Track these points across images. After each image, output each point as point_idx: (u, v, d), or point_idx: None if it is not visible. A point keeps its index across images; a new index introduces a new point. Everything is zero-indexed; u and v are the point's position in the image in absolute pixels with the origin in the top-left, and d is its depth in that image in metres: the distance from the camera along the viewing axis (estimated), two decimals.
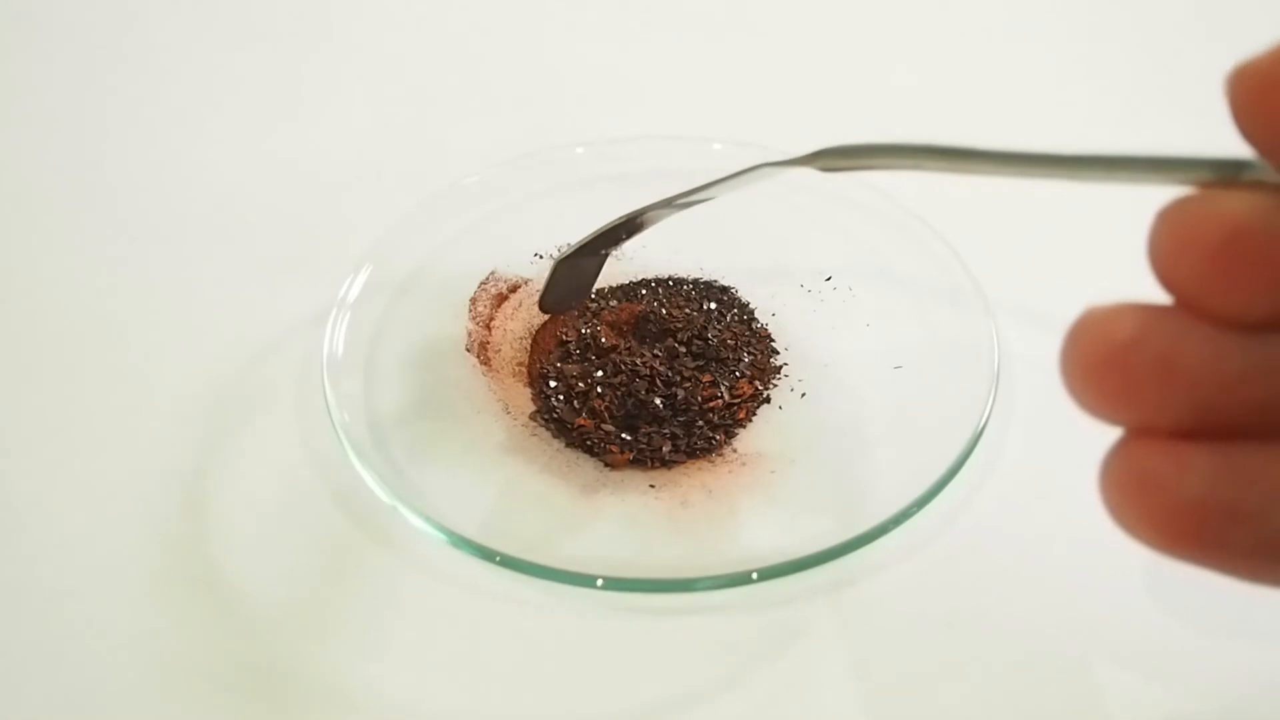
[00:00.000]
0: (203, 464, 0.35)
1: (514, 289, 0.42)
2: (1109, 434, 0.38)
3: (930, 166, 0.23)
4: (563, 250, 0.39)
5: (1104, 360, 0.19)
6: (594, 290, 0.41)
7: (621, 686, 0.30)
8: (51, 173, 0.48)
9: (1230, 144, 0.17)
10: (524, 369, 0.39)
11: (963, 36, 0.59)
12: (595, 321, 0.40)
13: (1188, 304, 0.18)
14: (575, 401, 0.36)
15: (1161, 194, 0.18)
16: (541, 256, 0.43)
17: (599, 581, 0.30)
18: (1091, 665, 0.31)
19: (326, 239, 0.44)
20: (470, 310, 0.40)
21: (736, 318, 0.40)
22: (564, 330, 0.40)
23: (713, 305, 0.40)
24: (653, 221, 0.37)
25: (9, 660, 0.31)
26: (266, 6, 0.59)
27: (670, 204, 0.36)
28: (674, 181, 0.44)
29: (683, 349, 0.38)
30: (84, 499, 0.35)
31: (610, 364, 0.38)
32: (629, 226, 0.37)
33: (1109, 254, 0.44)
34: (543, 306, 0.40)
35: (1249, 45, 0.18)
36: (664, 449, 0.35)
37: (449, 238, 0.42)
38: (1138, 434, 0.19)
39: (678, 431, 0.36)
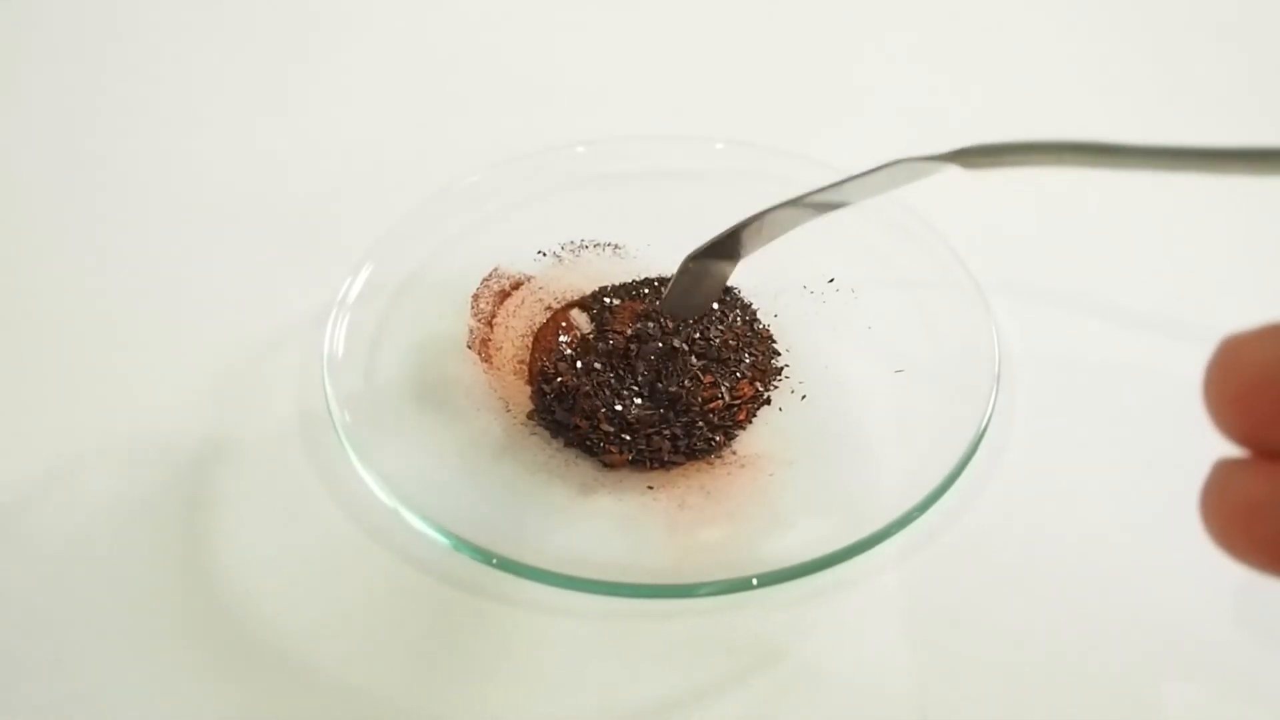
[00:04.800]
0: (203, 465, 0.35)
1: (516, 286, 0.42)
2: (1110, 434, 0.38)
3: (1073, 162, 0.23)
4: (694, 250, 0.35)
5: (1257, 389, 0.18)
6: (596, 289, 0.41)
7: (620, 687, 0.30)
8: (51, 172, 0.48)
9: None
10: (525, 367, 0.39)
11: (960, 35, 0.58)
12: (596, 321, 0.40)
13: None
14: (573, 402, 0.36)
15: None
16: (545, 254, 0.43)
17: (596, 585, 0.30)
18: (1094, 665, 0.31)
19: (326, 238, 0.44)
20: (473, 307, 0.40)
21: (739, 318, 0.40)
22: (564, 329, 0.40)
23: (715, 305, 0.40)
24: (782, 227, 0.34)
25: (9, 661, 0.31)
26: (267, 6, 0.59)
27: (800, 203, 0.33)
28: (674, 181, 0.44)
29: (684, 349, 0.38)
30: (84, 499, 0.35)
31: (610, 363, 0.38)
32: (759, 227, 0.34)
33: (1109, 256, 0.44)
34: (665, 307, 0.37)
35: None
36: (663, 450, 0.35)
37: (449, 238, 0.42)
38: (1250, 460, 0.19)
39: (677, 432, 0.36)
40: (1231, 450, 0.19)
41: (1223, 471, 0.19)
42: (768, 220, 0.34)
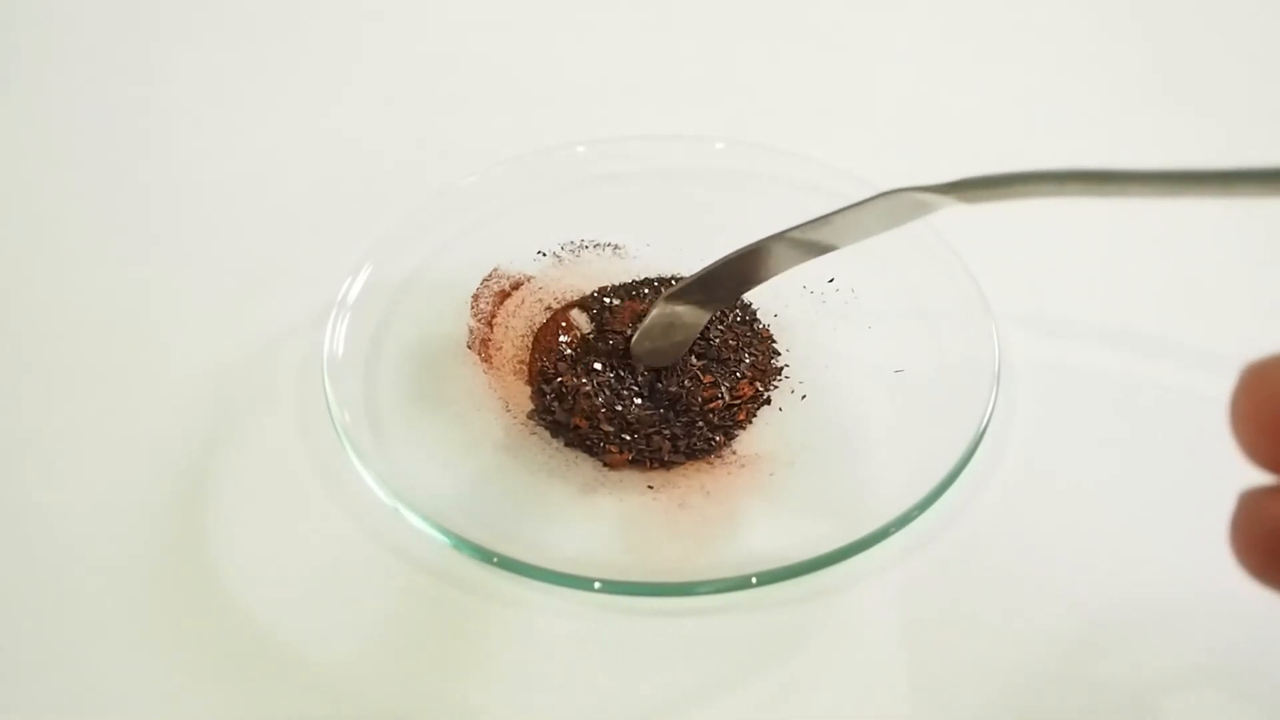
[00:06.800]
0: (203, 464, 0.35)
1: (516, 286, 0.42)
2: (1109, 434, 0.38)
3: (1076, 192, 0.22)
4: (669, 290, 0.35)
5: None
6: (596, 289, 0.41)
7: (620, 687, 0.30)
8: (52, 173, 0.48)
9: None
10: (525, 367, 0.39)
11: (961, 36, 0.58)
12: (596, 321, 0.40)
13: None
14: (573, 402, 0.36)
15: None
16: (545, 254, 0.43)
17: (596, 585, 0.30)
18: (1093, 666, 0.31)
19: (326, 238, 0.44)
20: (472, 307, 0.40)
21: (738, 318, 0.40)
22: (564, 329, 0.40)
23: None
24: (767, 270, 0.33)
25: (8, 660, 0.31)
26: (268, 7, 0.59)
27: (785, 241, 0.32)
28: (674, 181, 0.44)
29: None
30: (84, 499, 0.35)
31: (610, 363, 0.38)
32: (739, 269, 0.33)
33: (1109, 255, 0.44)
34: (634, 351, 0.37)
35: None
36: (663, 450, 0.35)
37: (449, 237, 0.42)
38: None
39: (677, 432, 0.36)
40: (1257, 477, 0.19)
41: (1253, 501, 0.19)
42: (747, 261, 0.33)
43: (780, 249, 0.33)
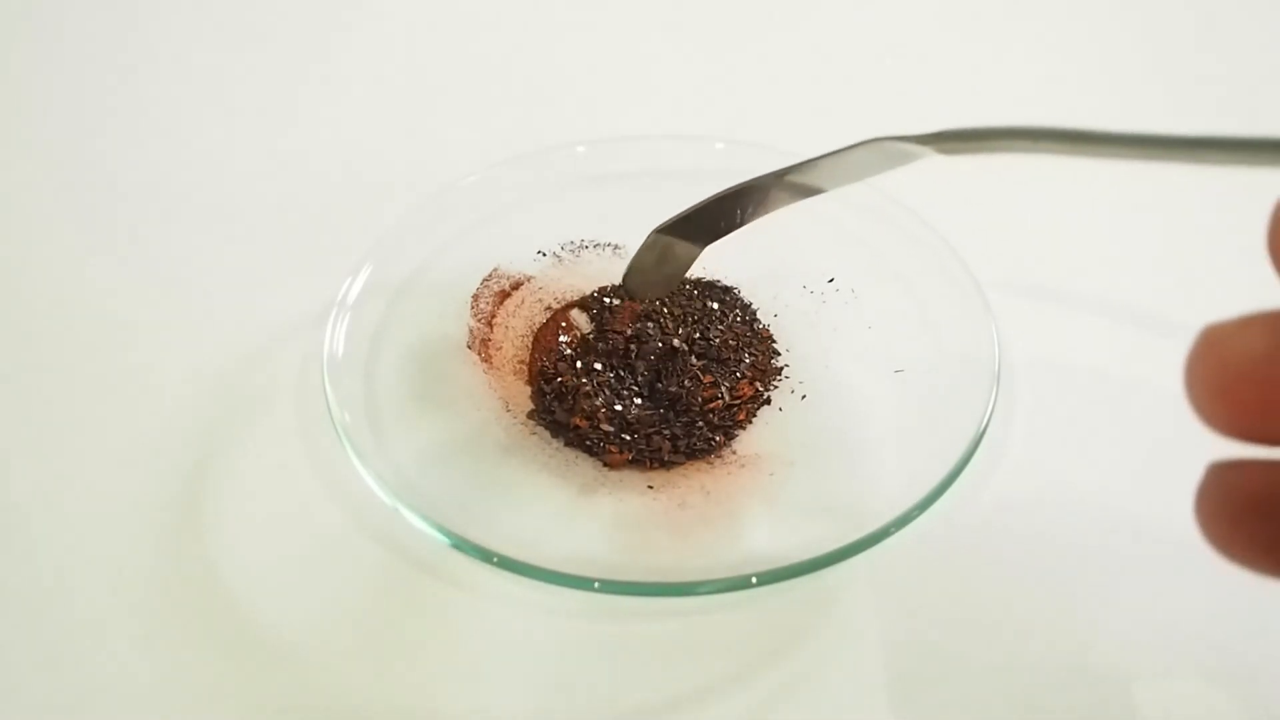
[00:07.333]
0: (203, 464, 0.35)
1: (516, 286, 0.42)
2: (1109, 433, 0.38)
3: (1051, 149, 0.22)
4: (661, 223, 0.35)
5: (1237, 378, 0.18)
6: (596, 289, 0.41)
7: (619, 687, 0.30)
8: (53, 171, 0.48)
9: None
10: (525, 367, 0.39)
11: (961, 39, 0.58)
12: (596, 321, 0.40)
13: None
14: (573, 402, 0.36)
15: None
16: (545, 254, 0.43)
17: (596, 584, 0.30)
18: (1092, 666, 0.31)
19: (327, 239, 0.44)
20: (472, 307, 0.40)
21: (739, 318, 0.40)
22: (564, 329, 0.40)
23: (715, 305, 0.40)
24: (756, 210, 0.34)
25: (8, 661, 0.31)
26: (268, 6, 0.59)
27: (774, 183, 0.33)
28: (674, 181, 0.44)
29: (684, 349, 0.38)
30: (84, 499, 0.35)
31: (610, 363, 0.38)
32: (730, 206, 0.34)
33: (1111, 255, 0.44)
34: (625, 281, 0.37)
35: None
36: (663, 449, 0.35)
37: (449, 237, 0.41)
38: (1243, 462, 0.18)
39: (677, 432, 0.36)
40: (1223, 447, 0.19)
41: (1216, 473, 0.19)
42: (739, 199, 0.34)
43: (771, 189, 0.33)
